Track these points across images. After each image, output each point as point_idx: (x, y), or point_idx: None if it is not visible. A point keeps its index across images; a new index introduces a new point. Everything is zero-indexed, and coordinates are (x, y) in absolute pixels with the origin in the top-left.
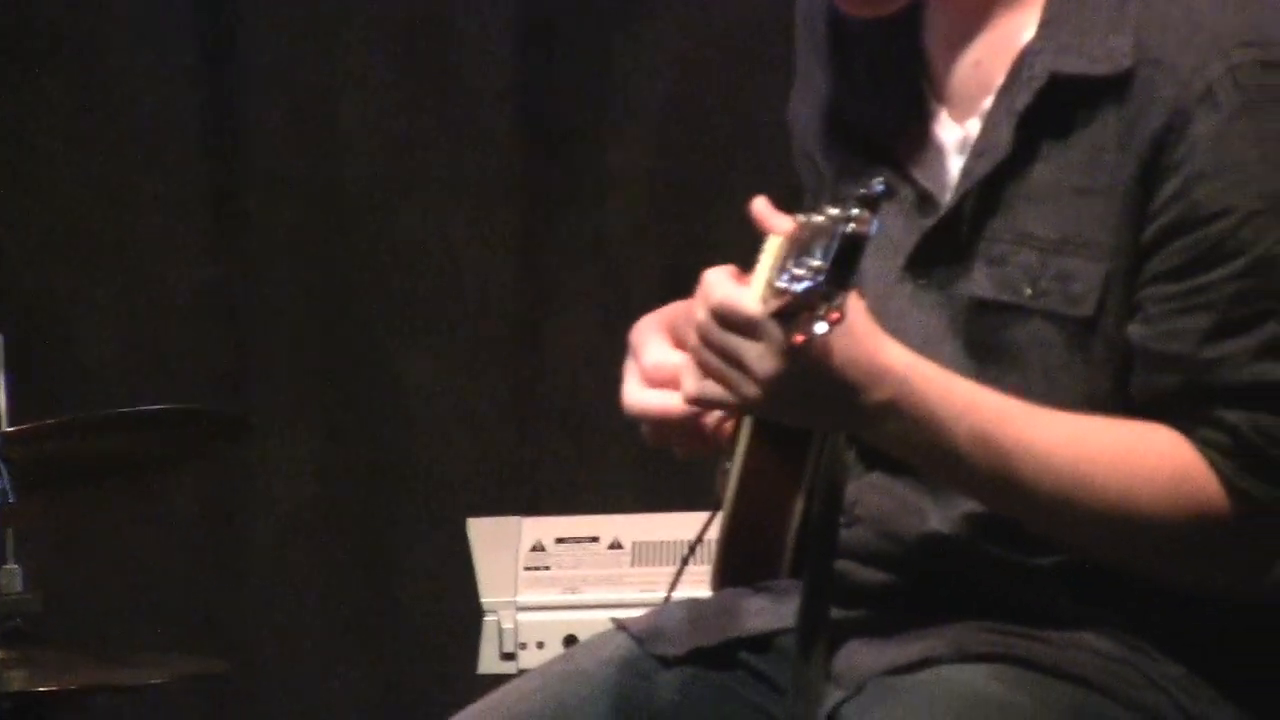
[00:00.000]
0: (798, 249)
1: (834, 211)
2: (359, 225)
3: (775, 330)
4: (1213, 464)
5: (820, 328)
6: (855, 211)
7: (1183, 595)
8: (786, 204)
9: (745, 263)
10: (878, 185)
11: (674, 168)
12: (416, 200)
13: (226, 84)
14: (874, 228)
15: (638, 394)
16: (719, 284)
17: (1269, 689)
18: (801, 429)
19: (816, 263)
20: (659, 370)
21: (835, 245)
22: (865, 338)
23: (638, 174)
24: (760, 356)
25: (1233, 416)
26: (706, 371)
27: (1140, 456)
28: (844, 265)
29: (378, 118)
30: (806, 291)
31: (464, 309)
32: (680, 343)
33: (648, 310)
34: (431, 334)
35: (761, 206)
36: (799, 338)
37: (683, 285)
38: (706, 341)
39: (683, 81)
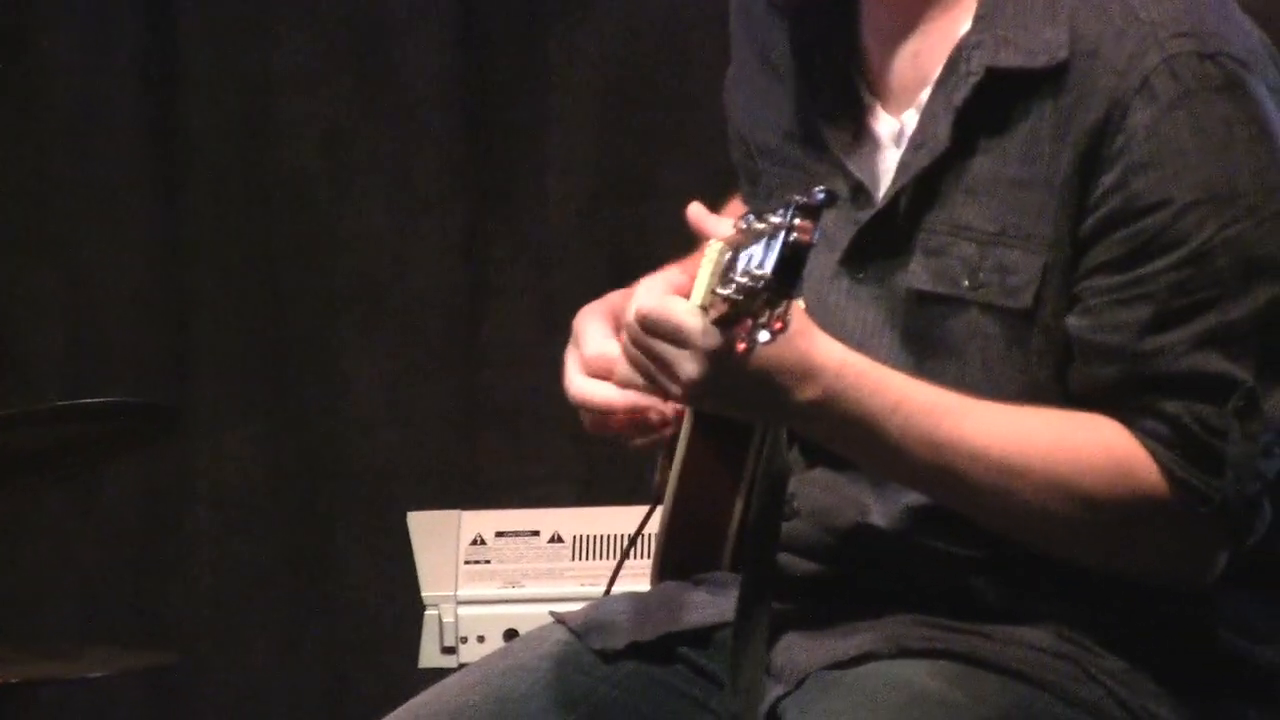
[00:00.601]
0: (741, 256)
1: (776, 219)
2: (300, 221)
3: (717, 336)
4: (1154, 455)
5: (763, 336)
6: (797, 220)
7: (1123, 589)
8: (719, 205)
9: (685, 256)
10: (819, 194)
11: (613, 163)
12: (357, 195)
13: (167, 78)
14: (816, 236)
15: (580, 382)
16: (647, 291)
17: (1209, 683)
18: (743, 423)
19: (759, 271)
20: (600, 359)
21: (778, 253)
22: (797, 336)
23: (577, 169)
24: (685, 359)
25: (1172, 407)
26: (636, 369)
27: (1080, 447)
28: (788, 273)
29: (318, 113)
30: (750, 299)
31: (405, 303)
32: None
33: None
34: (373, 328)
35: (698, 211)
36: (741, 345)
37: (624, 281)
38: (635, 343)
39: (621, 76)
